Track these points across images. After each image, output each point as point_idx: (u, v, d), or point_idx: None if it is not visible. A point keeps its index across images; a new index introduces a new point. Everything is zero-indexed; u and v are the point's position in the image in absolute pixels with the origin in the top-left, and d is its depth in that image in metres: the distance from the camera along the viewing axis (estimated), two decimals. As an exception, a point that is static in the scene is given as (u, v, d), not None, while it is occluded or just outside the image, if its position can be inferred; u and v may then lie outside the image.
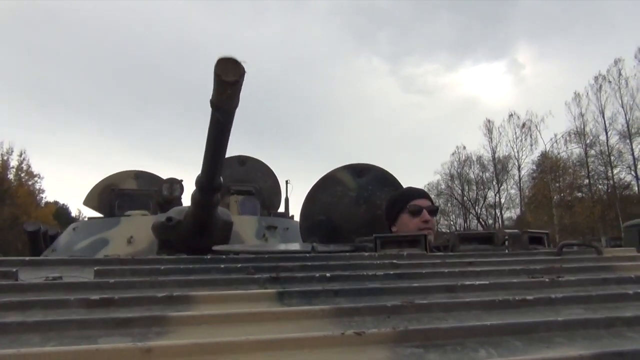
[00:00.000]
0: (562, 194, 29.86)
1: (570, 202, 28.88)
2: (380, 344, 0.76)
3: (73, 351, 0.70)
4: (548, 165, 30.39)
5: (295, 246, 2.08)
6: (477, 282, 1.06)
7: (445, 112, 48.08)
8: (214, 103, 1.41)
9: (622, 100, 27.63)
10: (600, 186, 29.23)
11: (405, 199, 2.34)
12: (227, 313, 0.85)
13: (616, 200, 26.83)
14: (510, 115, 32.50)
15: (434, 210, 2.35)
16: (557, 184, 30.52)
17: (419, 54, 49.44)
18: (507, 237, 1.52)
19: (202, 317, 0.84)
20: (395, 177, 2.74)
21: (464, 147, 35.26)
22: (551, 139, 30.62)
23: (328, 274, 1.09)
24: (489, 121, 33.66)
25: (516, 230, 1.53)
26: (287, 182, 4.96)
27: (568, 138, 29.55)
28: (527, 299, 0.96)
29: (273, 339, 0.75)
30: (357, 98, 50.31)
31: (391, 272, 1.13)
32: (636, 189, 27.34)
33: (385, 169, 2.77)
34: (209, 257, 1.29)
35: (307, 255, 1.34)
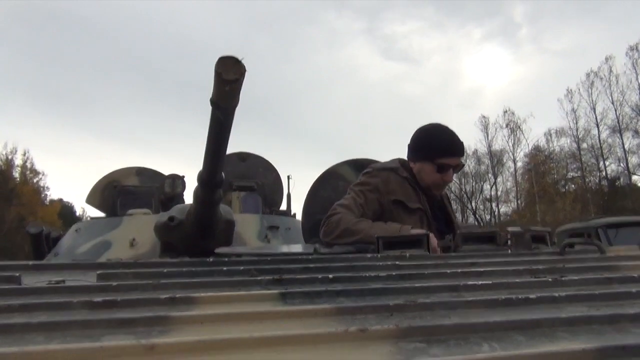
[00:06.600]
0: (553, 186, 29.93)
1: (553, 197, 28.93)
2: (383, 340, 0.76)
3: (77, 349, 0.70)
4: (540, 159, 30.56)
5: (297, 248, 2.08)
6: (480, 282, 1.06)
7: (433, 85, 46.21)
8: (214, 102, 1.41)
9: (612, 97, 28.17)
10: (593, 178, 29.37)
11: (439, 152, 2.19)
12: (230, 312, 0.85)
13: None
14: (505, 112, 32.99)
15: (460, 167, 2.27)
16: (553, 175, 30.62)
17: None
18: (509, 236, 1.52)
19: (205, 316, 0.84)
20: None
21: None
22: (531, 141, 31.12)
23: (330, 275, 1.09)
24: (483, 117, 34.24)
25: (519, 229, 1.52)
26: (288, 177, 4.93)
27: (556, 133, 29.96)
28: (530, 298, 0.95)
29: (276, 336, 0.75)
30: (340, 68, 48.50)
31: (394, 273, 1.13)
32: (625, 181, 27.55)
33: (382, 160, 2.74)
34: (211, 259, 1.30)
35: (310, 257, 1.34)
